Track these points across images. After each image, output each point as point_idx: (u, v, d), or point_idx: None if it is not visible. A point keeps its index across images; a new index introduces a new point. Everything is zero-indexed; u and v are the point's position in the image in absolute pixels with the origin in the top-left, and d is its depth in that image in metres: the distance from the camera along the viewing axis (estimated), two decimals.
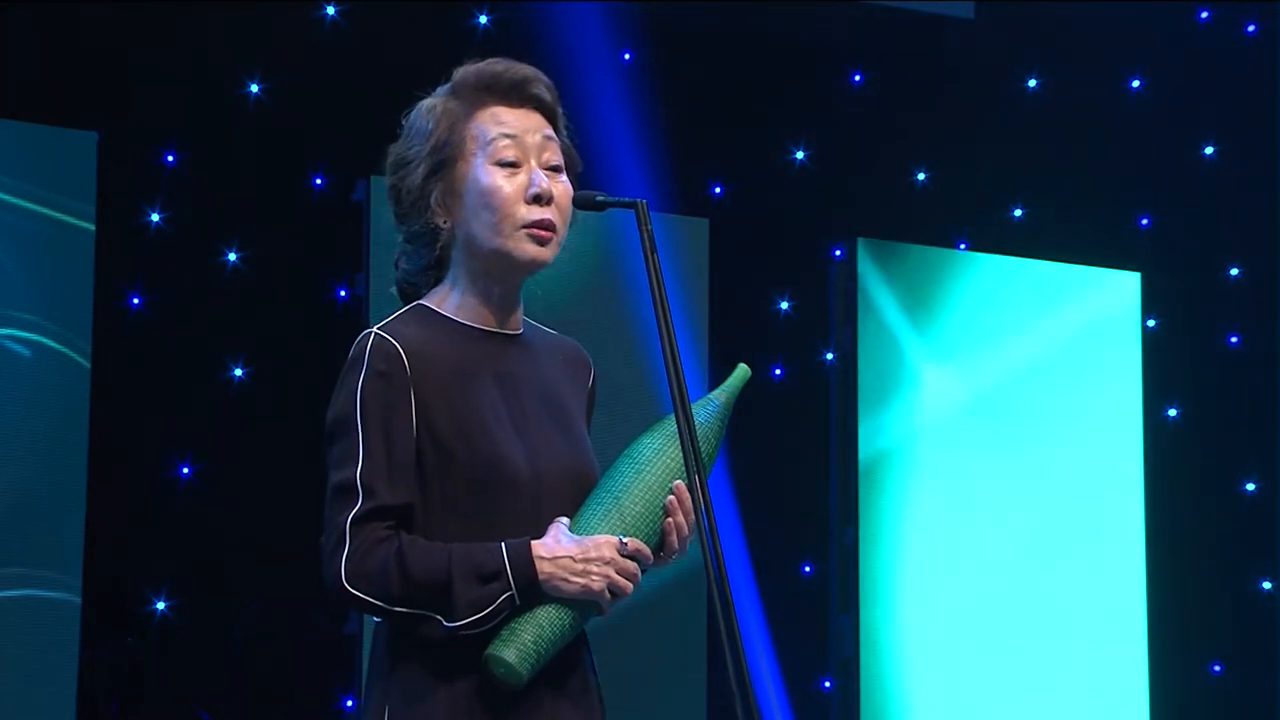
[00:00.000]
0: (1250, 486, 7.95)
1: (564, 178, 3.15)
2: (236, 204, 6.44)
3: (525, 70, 3.17)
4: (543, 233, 3.10)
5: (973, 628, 7.31)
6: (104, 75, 6.28)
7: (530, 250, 3.10)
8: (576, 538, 3.01)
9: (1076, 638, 7.46)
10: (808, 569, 7.28)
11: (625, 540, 3.03)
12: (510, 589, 2.96)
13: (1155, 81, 7.95)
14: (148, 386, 6.29)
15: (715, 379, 7.10)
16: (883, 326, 7.29)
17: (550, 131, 3.16)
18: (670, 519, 3.09)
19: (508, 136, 3.12)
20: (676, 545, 3.12)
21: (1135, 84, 7.94)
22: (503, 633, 2.98)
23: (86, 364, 6.08)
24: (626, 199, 3.12)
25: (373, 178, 6.32)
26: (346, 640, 6.21)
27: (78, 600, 5.99)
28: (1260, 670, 7.92)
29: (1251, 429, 7.99)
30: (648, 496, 3.06)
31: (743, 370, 3.23)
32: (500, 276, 3.13)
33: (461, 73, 3.18)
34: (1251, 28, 8.11)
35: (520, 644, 2.97)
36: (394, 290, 3.24)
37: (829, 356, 7.32)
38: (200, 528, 6.27)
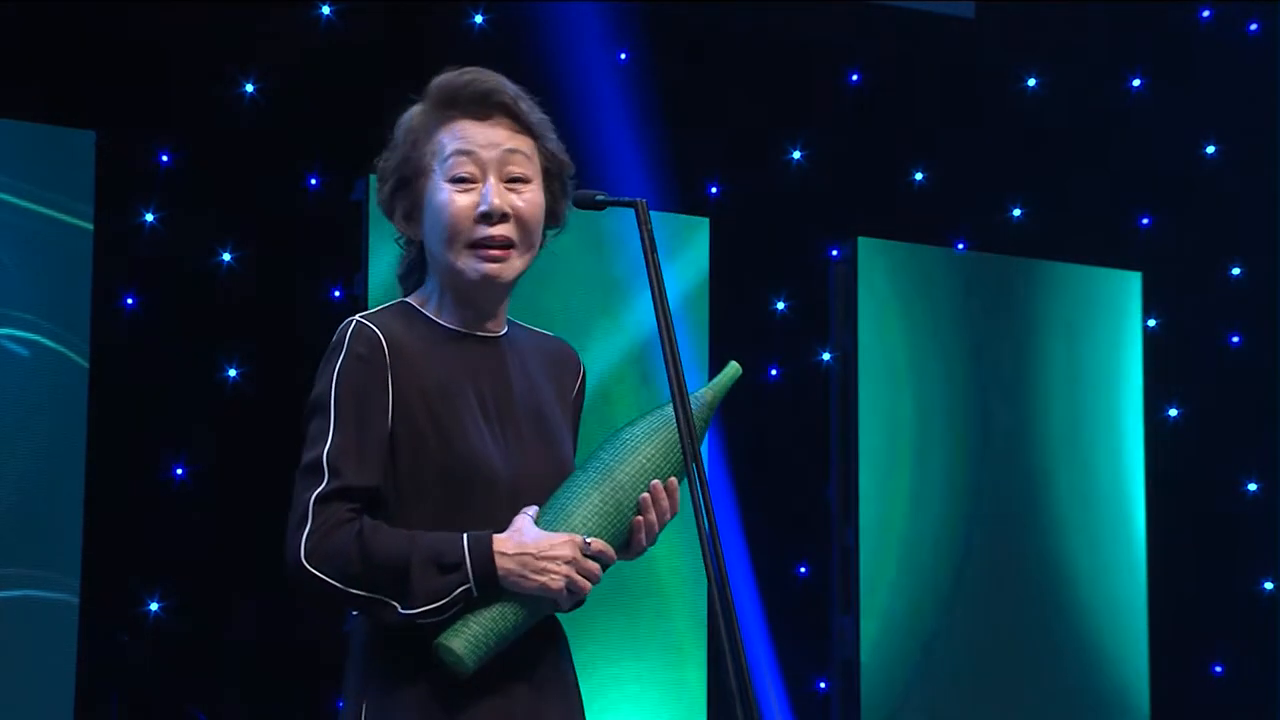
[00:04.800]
0: (1251, 486, 7.95)
1: (531, 188, 3.13)
2: (233, 204, 6.43)
3: (489, 82, 3.14)
4: (491, 251, 3.09)
5: (973, 628, 7.30)
6: (102, 75, 6.27)
7: (480, 268, 3.10)
8: (540, 534, 3.00)
9: (1076, 637, 7.45)
10: (807, 569, 7.27)
11: (589, 540, 3.01)
12: (468, 582, 2.96)
13: (1155, 81, 7.95)
14: (145, 387, 6.28)
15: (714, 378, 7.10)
16: (883, 326, 7.28)
17: (515, 144, 3.12)
18: (641, 517, 3.07)
19: (463, 152, 3.10)
20: (645, 543, 3.10)
21: (1135, 84, 7.93)
22: (455, 622, 2.97)
23: (85, 364, 6.06)
24: (626, 198, 3.11)
25: (371, 177, 6.31)
26: (342, 640, 6.20)
27: (76, 600, 5.98)
28: (1260, 670, 7.91)
29: (1252, 429, 7.99)
30: (620, 494, 3.04)
31: (734, 368, 3.20)
32: (465, 291, 3.13)
33: (434, 84, 3.17)
34: (1253, 26, 8.10)
35: (470, 634, 2.96)
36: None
37: (828, 356, 7.31)
38: (197, 528, 6.26)
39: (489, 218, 3.09)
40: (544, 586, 2.98)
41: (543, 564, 2.98)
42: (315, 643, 6.10)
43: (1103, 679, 7.48)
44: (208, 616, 6.28)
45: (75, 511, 6.00)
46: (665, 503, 3.08)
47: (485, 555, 2.96)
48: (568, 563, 2.99)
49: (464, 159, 3.10)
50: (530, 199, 3.12)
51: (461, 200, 3.09)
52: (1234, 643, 7.88)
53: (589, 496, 3.04)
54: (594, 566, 3.02)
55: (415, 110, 3.17)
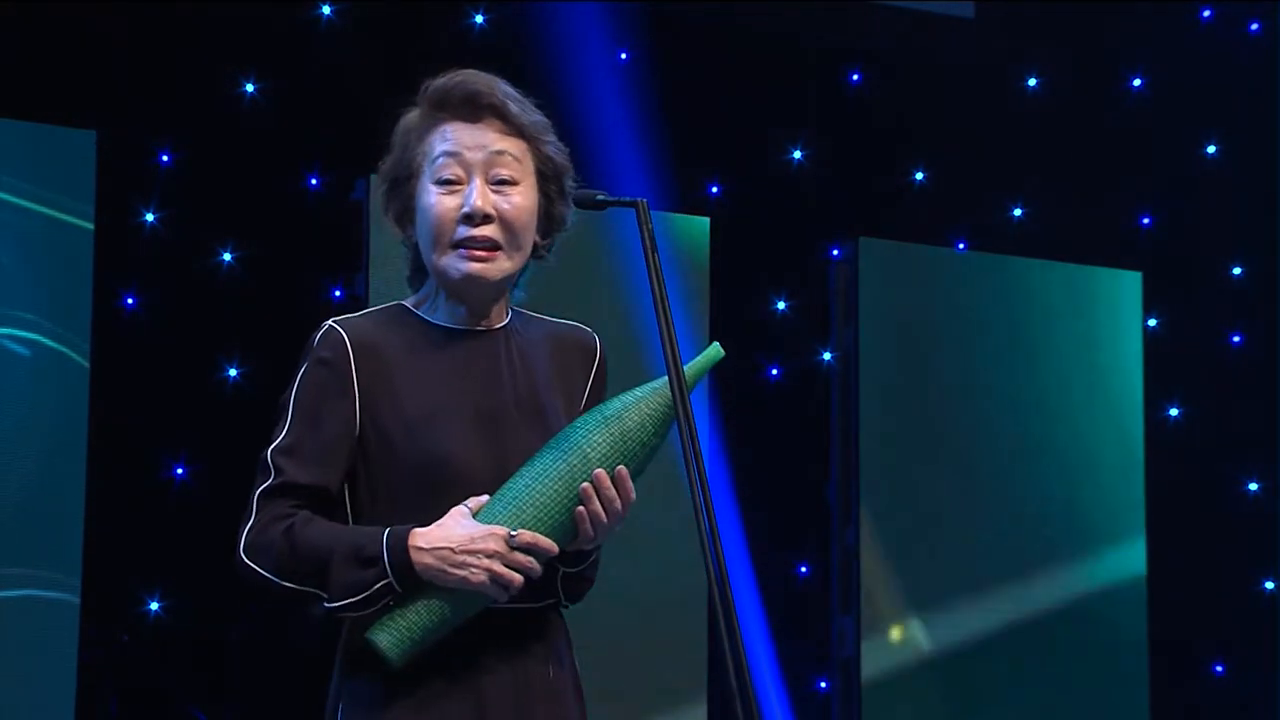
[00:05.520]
0: (1251, 486, 7.94)
1: (520, 190, 3.12)
2: (234, 203, 6.43)
3: (478, 83, 3.15)
4: (476, 251, 3.09)
5: (973, 628, 7.30)
6: (102, 74, 6.27)
7: (463, 268, 3.11)
8: (468, 527, 2.98)
9: (1077, 637, 7.45)
10: (807, 569, 7.27)
11: (515, 533, 2.99)
12: (387, 576, 2.97)
13: (1156, 80, 7.94)
14: (145, 386, 6.27)
15: (714, 379, 7.11)
16: (883, 326, 7.28)
17: (504, 145, 3.13)
18: (583, 507, 3.03)
19: (449, 154, 3.12)
20: (592, 533, 3.05)
21: (1136, 83, 7.93)
22: (384, 616, 2.99)
23: (85, 364, 6.06)
24: (627, 198, 3.11)
25: (371, 176, 6.30)
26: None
27: (77, 600, 5.98)
28: (1260, 670, 7.91)
29: (1252, 429, 7.98)
30: (559, 485, 3.01)
31: (714, 349, 3.14)
32: (454, 290, 3.13)
33: (428, 88, 3.18)
34: (1254, 26, 8.09)
35: (395, 628, 2.98)
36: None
37: (829, 356, 7.31)
38: (197, 528, 6.25)
39: (471, 219, 3.09)
40: (464, 580, 2.96)
41: (462, 558, 2.96)
42: (316, 644, 6.09)
43: (1103, 678, 7.48)
44: (208, 616, 6.27)
45: (76, 511, 6.00)
46: (611, 492, 3.02)
47: (402, 549, 2.96)
48: (490, 556, 2.97)
49: (450, 160, 3.11)
50: (517, 201, 3.12)
51: (447, 202, 3.10)
52: (1234, 643, 7.88)
53: (534, 485, 3.01)
54: (522, 559, 2.99)
55: (411, 113, 3.19)
